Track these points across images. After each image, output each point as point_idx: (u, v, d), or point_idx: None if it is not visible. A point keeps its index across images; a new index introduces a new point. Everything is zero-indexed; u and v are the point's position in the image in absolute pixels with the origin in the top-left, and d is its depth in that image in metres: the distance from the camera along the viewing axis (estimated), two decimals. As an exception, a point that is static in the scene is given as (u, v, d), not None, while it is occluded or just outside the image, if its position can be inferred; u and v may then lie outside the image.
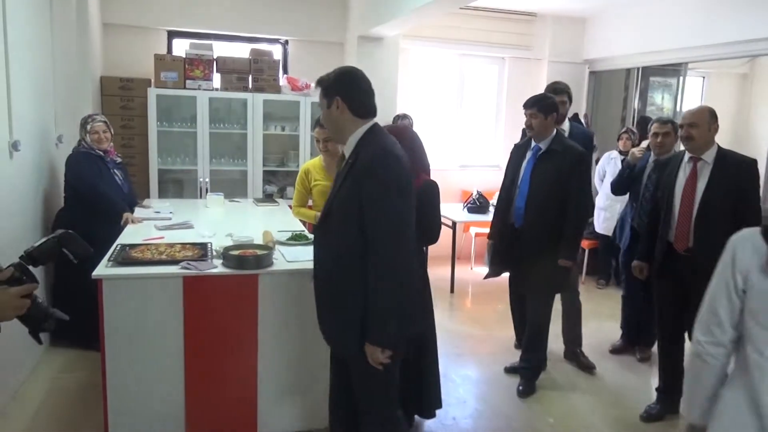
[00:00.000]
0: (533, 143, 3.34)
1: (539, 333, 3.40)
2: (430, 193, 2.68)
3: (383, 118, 5.73)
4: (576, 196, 3.15)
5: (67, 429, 2.88)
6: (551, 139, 3.26)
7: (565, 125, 3.67)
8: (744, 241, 1.50)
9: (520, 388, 3.42)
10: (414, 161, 2.67)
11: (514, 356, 3.78)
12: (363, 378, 2.06)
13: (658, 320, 3.17)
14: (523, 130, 3.77)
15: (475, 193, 5.61)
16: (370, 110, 1.99)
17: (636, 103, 6.26)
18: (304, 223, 3.73)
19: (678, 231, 2.93)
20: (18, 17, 3.20)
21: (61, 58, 4.09)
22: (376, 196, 1.86)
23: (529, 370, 3.45)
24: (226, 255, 2.71)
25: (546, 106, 3.23)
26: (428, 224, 2.67)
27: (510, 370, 3.67)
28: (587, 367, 3.72)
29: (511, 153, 3.55)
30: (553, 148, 3.24)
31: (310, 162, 3.56)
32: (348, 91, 1.97)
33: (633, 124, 6.03)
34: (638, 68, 6.14)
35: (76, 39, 4.45)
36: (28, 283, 1.54)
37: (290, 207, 4.56)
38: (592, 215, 5.19)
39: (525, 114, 3.29)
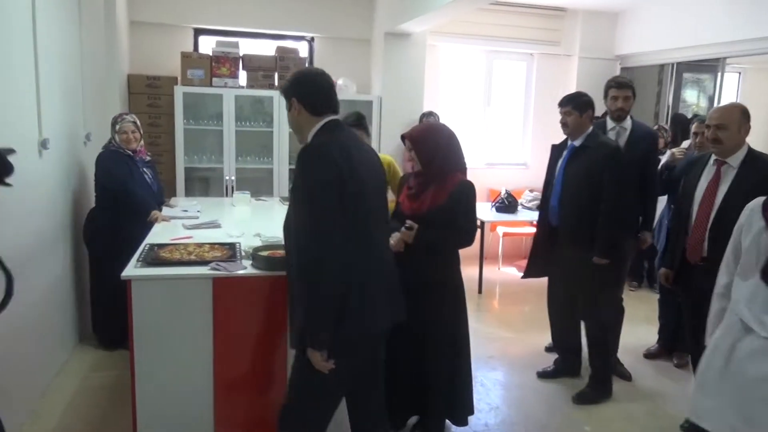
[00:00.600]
0: (568, 142, 3.26)
1: (601, 337, 3.29)
2: (465, 193, 2.59)
3: (409, 115, 5.70)
4: (608, 193, 3.04)
5: (95, 428, 2.87)
6: (585, 136, 3.18)
7: (627, 123, 3.49)
8: (755, 206, 2.02)
9: (580, 394, 3.31)
10: (450, 160, 2.61)
11: (547, 360, 3.68)
12: (294, 372, 2.10)
13: (686, 330, 3.02)
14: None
15: (503, 192, 5.50)
16: (326, 107, 2.00)
17: (669, 101, 6.08)
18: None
19: (692, 240, 2.72)
20: (47, 16, 3.19)
21: (88, 57, 4.08)
22: (296, 192, 1.91)
23: (594, 376, 3.33)
24: (255, 256, 2.66)
25: (581, 103, 3.15)
26: (462, 226, 2.59)
27: (543, 375, 3.57)
28: (623, 376, 3.59)
29: (550, 152, 3.45)
30: (585, 145, 3.15)
31: None
32: (302, 91, 2.01)
33: (666, 122, 5.85)
34: (672, 64, 5.96)
35: (104, 37, 4.46)
36: None
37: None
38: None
39: (560, 112, 3.19)
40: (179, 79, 5.17)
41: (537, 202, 5.52)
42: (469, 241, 2.63)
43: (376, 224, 2.03)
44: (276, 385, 2.67)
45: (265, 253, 2.70)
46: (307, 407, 2.07)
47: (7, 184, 1.37)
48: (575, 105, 3.14)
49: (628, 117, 3.51)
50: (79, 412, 2.99)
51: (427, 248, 2.58)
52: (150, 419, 2.54)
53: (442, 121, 5.41)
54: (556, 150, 3.37)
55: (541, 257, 3.41)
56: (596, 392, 3.30)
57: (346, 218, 1.87)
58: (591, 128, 3.21)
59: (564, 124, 3.21)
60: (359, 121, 3.24)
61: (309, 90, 2.00)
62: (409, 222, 2.58)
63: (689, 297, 2.82)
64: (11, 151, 1.38)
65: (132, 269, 2.52)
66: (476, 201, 2.66)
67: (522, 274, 3.57)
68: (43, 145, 3.09)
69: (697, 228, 2.67)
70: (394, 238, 2.62)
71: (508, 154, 6.68)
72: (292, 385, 2.13)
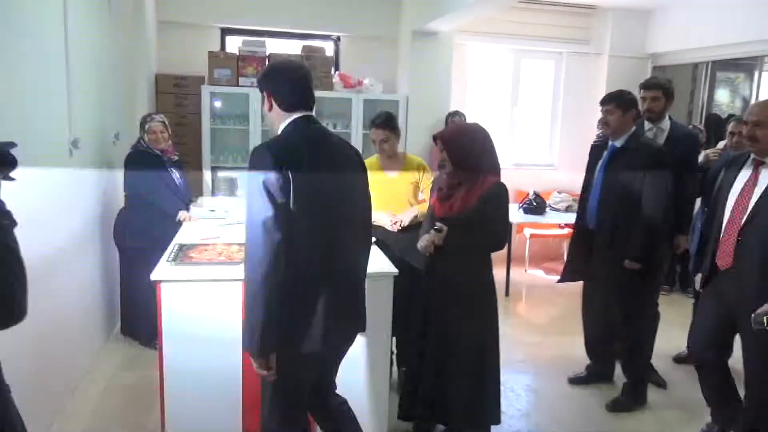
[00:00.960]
0: (610, 142, 3.16)
1: (638, 344, 3.19)
2: (497, 196, 2.52)
3: (436, 114, 5.64)
4: (649, 195, 2.94)
5: (125, 427, 2.88)
6: (627, 137, 3.07)
7: (665, 124, 3.38)
8: None
9: (614, 401, 3.22)
10: (482, 162, 2.55)
11: (578, 365, 3.59)
12: (263, 385, 1.98)
13: (689, 337, 2.86)
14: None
15: (531, 193, 5.41)
16: (296, 103, 1.89)
17: (704, 100, 5.92)
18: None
19: (722, 245, 2.53)
20: (78, 16, 3.20)
21: (118, 57, 4.10)
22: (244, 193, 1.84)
23: (629, 383, 3.23)
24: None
25: (624, 101, 3.04)
26: (494, 229, 2.52)
27: (575, 381, 3.49)
28: (658, 383, 3.48)
29: (589, 153, 3.35)
30: (627, 146, 3.05)
31: (367, 161, 3.41)
32: (273, 85, 1.91)
33: (700, 123, 5.70)
34: (708, 62, 5.80)
35: (133, 37, 4.48)
36: None
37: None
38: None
39: (601, 111, 3.10)
40: (206, 78, 5.18)
41: (566, 204, 5.45)
42: (499, 245, 2.57)
43: (338, 226, 1.90)
44: None
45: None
46: (279, 415, 1.98)
47: (11, 179, 1.34)
48: (618, 103, 3.04)
49: (666, 117, 3.40)
50: (108, 412, 2.99)
51: (457, 251, 2.53)
52: (178, 420, 2.53)
53: (468, 121, 5.34)
54: (596, 150, 3.27)
55: (578, 261, 3.32)
56: (631, 400, 3.21)
57: (297, 221, 1.77)
58: (634, 128, 3.10)
59: (605, 123, 3.10)
60: (387, 121, 3.15)
61: (281, 85, 1.89)
62: (438, 224, 2.52)
63: (719, 305, 2.63)
64: (12, 144, 1.33)
65: (161, 270, 2.52)
66: (508, 203, 2.60)
67: (558, 278, 3.46)
68: (74, 144, 3.11)
69: (728, 232, 2.53)
70: (424, 240, 2.57)
71: (536, 154, 6.58)
72: (263, 398, 2.02)
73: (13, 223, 1.30)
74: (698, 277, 2.82)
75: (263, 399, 2.01)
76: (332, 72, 5.48)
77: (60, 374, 2.97)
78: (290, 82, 1.90)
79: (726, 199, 2.57)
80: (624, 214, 3.01)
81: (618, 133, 3.08)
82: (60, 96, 3.01)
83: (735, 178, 2.58)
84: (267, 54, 5.28)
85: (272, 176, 1.73)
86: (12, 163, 1.30)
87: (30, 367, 2.47)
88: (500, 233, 2.55)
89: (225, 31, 5.69)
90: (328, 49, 5.78)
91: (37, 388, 2.56)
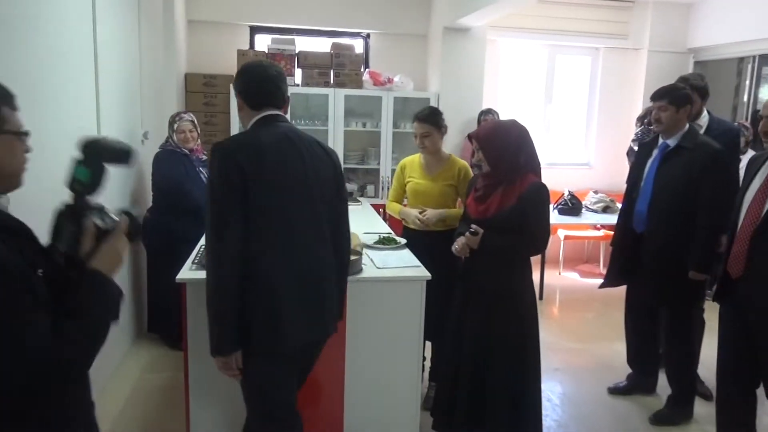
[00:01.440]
0: (660, 140, 2.98)
1: (685, 354, 3.02)
2: (536, 196, 2.39)
3: (468, 113, 5.50)
4: (709, 200, 2.75)
5: (151, 427, 2.85)
6: (682, 135, 2.88)
7: (703, 119, 3.19)
8: None
9: (658, 414, 3.06)
10: (519, 160, 2.42)
11: (617, 375, 3.42)
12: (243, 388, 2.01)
13: (718, 354, 2.57)
14: (643, 123, 3.35)
15: (566, 193, 5.23)
16: (264, 101, 1.93)
17: (749, 96, 5.65)
18: (392, 223, 3.53)
19: (734, 251, 2.31)
20: (107, 15, 3.18)
21: (147, 56, 4.08)
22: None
23: (675, 397, 3.07)
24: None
25: (678, 97, 2.85)
26: (533, 231, 2.39)
27: (615, 391, 3.33)
28: (704, 395, 3.27)
29: (636, 151, 3.18)
30: (682, 145, 2.85)
31: (409, 158, 3.29)
32: (242, 85, 1.96)
33: (746, 120, 5.43)
34: (754, 56, 5.53)
35: (162, 36, 4.47)
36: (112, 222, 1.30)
37: (372, 206, 4.41)
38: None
39: (653, 107, 2.92)
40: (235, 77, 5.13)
41: (603, 204, 5.26)
42: (540, 249, 2.44)
43: (297, 223, 1.88)
44: (332, 392, 2.58)
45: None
46: (261, 421, 2.00)
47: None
48: (672, 99, 2.85)
49: (705, 112, 3.22)
50: (134, 414, 2.96)
51: (494, 255, 2.40)
52: (203, 420, 2.49)
53: (500, 119, 5.19)
54: (645, 148, 3.09)
55: (622, 266, 3.14)
56: (676, 413, 3.03)
57: (254, 217, 1.78)
58: (688, 126, 2.91)
59: (657, 121, 2.91)
60: (431, 116, 3.03)
61: (247, 84, 1.94)
62: (474, 226, 2.40)
63: (736, 322, 2.39)
64: (128, 153, 1.35)
65: (187, 271, 2.46)
66: (549, 205, 2.46)
67: (599, 282, 3.29)
68: (102, 143, 3.07)
69: (740, 238, 2.30)
70: (459, 243, 2.46)
71: (571, 153, 6.38)
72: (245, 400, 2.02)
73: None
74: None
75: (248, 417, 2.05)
76: (362, 70, 5.39)
77: (90, 373, 2.94)
78: (256, 82, 1.93)
79: (743, 202, 2.35)
80: (679, 220, 2.82)
81: (671, 131, 2.89)
82: (88, 95, 2.99)
83: (752, 179, 2.35)
84: (296, 52, 5.22)
85: (230, 173, 1.75)
86: (126, 159, 1.30)
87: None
88: (540, 236, 2.41)
89: (254, 30, 5.65)
90: (358, 46, 5.69)
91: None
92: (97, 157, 1.28)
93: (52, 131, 2.45)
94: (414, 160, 3.21)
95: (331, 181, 2.01)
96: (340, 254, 2.05)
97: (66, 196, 1.28)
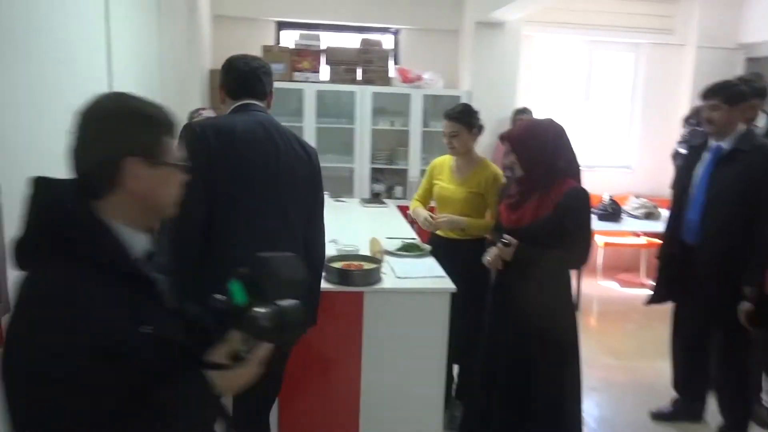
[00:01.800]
0: (712, 142, 2.70)
1: (739, 379, 2.74)
2: (577, 203, 2.15)
3: (501, 112, 5.23)
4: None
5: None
6: (737, 137, 2.59)
7: (761, 121, 2.91)
8: None
9: None
10: (557, 164, 2.18)
11: (660, 397, 3.14)
12: None
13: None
14: (690, 124, 3.07)
15: (606, 198, 4.93)
16: (240, 91, 1.95)
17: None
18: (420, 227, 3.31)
19: None
20: (120, 15, 3.05)
21: (169, 52, 3.96)
22: None
23: (727, 425, 2.79)
24: (328, 268, 2.35)
25: (732, 95, 2.57)
26: (573, 242, 2.15)
27: (659, 417, 3.04)
28: (763, 422, 2.95)
29: (684, 155, 2.90)
30: (738, 148, 2.56)
31: (441, 158, 3.05)
32: (224, 77, 2.00)
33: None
34: (814, 52, 5.13)
35: (186, 32, 4.37)
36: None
37: (398, 208, 4.21)
38: None
39: (703, 106, 2.64)
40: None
41: (645, 210, 4.95)
42: (581, 262, 2.20)
43: (264, 215, 1.83)
44: (345, 402, 2.41)
45: (338, 265, 2.40)
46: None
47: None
48: (725, 97, 2.57)
49: (762, 114, 2.95)
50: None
51: (530, 268, 2.17)
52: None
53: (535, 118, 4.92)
54: (694, 152, 2.80)
55: (671, 280, 2.86)
56: None
57: (215, 202, 1.75)
58: (744, 127, 2.63)
59: (709, 121, 2.63)
60: (461, 114, 2.77)
61: (226, 75, 1.98)
62: (507, 237, 2.17)
63: None
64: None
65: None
66: (590, 212, 2.21)
67: (647, 300, 2.99)
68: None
69: None
70: (491, 254, 2.23)
71: (610, 155, 6.05)
72: None
73: None
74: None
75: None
76: (391, 66, 5.19)
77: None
78: (235, 73, 1.95)
79: None
80: (737, 231, 2.54)
81: (724, 132, 2.60)
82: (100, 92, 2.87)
83: None
84: (323, 48, 5.05)
85: (196, 150, 1.70)
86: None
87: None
88: (581, 247, 2.17)
89: (281, 25, 5.52)
90: (387, 42, 5.49)
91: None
92: (264, 287, 1.04)
93: (64, 132, 2.34)
94: (445, 161, 2.98)
95: (308, 181, 1.96)
96: (311, 259, 1.95)
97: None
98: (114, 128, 1.02)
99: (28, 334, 0.89)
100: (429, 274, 2.50)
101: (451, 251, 2.75)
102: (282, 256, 1.11)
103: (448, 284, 2.39)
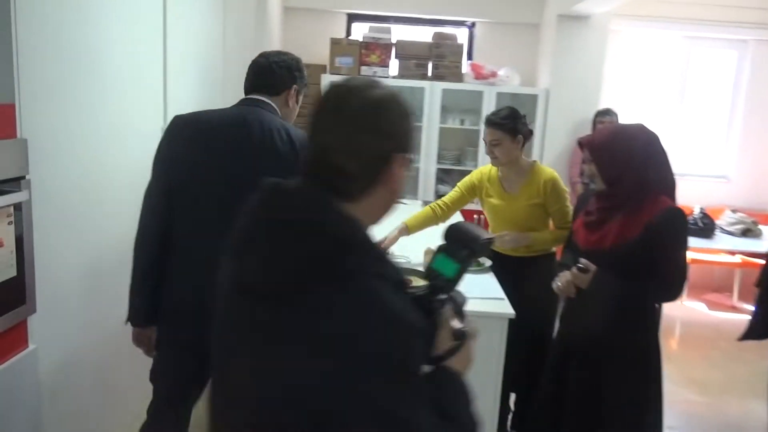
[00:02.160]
0: None
1: None
2: (671, 226, 1.83)
3: (581, 113, 4.81)
4: None
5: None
6: None
7: None
8: None
9: None
10: (647, 177, 1.86)
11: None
12: None
13: None
14: None
15: (697, 210, 4.45)
16: (249, 87, 1.90)
17: None
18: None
19: None
20: (178, 8, 2.96)
21: (234, 44, 3.88)
22: None
23: None
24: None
25: None
26: (665, 273, 1.83)
27: (754, 472, 2.66)
28: None
29: None
30: None
31: (485, 168, 2.73)
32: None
33: None
34: None
35: (254, 23, 4.29)
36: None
37: (460, 212, 3.94)
38: None
39: None
40: (327, 67, 4.87)
41: (742, 227, 4.45)
42: (673, 296, 1.87)
43: (210, 206, 1.70)
44: None
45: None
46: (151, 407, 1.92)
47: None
48: None
49: None
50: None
51: (609, 299, 1.87)
52: None
53: (621, 120, 4.50)
54: None
55: None
56: None
57: (175, 192, 1.71)
58: None
59: None
60: (504, 119, 2.45)
61: (247, 71, 1.93)
62: (583, 261, 1.88)
63: None
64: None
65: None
66: (687, 238, 1.88)
67: (742, 334, 2.58)
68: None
69: None
70: (562, 280, 1.94)
71: (705, 163, 5.50)
72: None
73: None
74: None
75: None
76: (464, 61, 4.91)
77: (121, 397, 2.76)
78: (252, 67, 1.92)
79: None
80: None
81: None
82: (156, 85, 2.79)
83: None
84: (393, 41, 4.85)
85: (166, 138, 1.76)
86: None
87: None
88: (675, 279, 1.84)
89: (352, 18, 5.36)
90: (461, 36, 5.21)
91: (100, 412, 2.33)
92: (466, 249, 1.04)
93: (118, 125, 2.31)
94: (491, 174, 2.65)
95: (286, 173, 1.72)
96: None
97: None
98: (390, 121, 0.95)
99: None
100: (486, 294, 2.24)
101: (507, 268, 2.48)
102: (461, 222, 1.11)
103: (507, 308, 2.12)
